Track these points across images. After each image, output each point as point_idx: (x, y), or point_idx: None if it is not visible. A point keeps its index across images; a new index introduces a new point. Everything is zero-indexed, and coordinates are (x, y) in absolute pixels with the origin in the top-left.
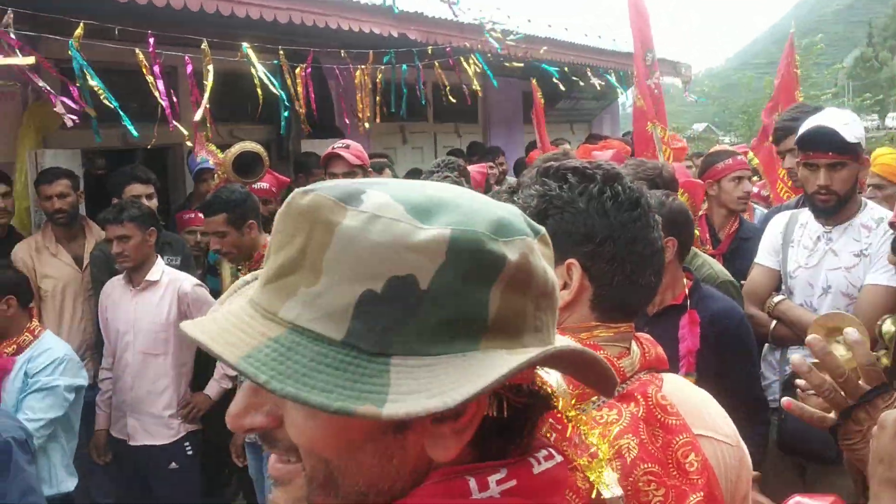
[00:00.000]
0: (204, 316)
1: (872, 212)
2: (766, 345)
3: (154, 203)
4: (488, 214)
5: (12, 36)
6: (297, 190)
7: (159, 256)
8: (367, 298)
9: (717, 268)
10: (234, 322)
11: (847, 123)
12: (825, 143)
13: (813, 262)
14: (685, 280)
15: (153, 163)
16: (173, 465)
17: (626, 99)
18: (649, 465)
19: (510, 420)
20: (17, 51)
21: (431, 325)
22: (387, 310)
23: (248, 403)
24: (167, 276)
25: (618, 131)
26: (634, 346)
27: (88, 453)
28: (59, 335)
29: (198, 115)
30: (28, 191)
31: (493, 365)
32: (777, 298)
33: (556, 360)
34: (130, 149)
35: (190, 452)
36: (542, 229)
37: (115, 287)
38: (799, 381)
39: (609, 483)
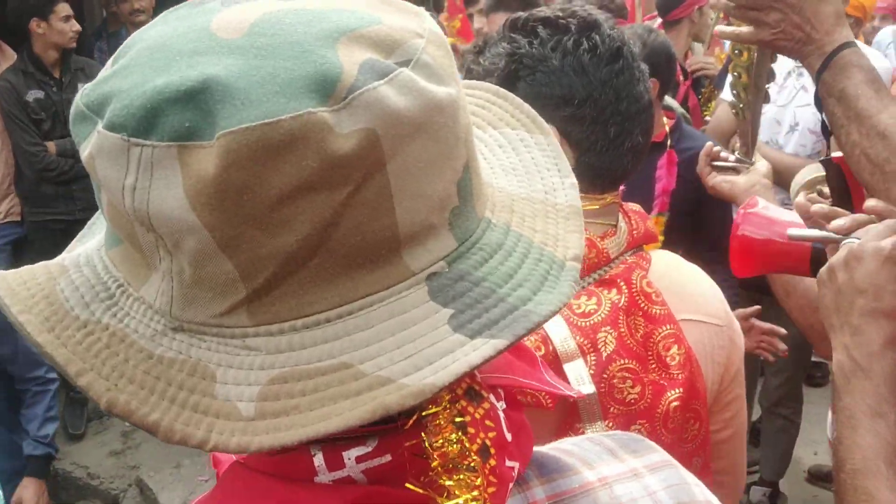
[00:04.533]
0: None
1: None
2: None
3: (74, 25)
4: (113, 85)
5: None
6: None
7: None
8: None
9: (673, 102)
10: None
11: None
12: None
13: (782, 99)
14: (665, 119)
15: None
16: None
17: None
18: (626, 361)
19: None
20: None
21: None
22: None
23: None
24: None
25: None
26: (622, 221)
27: None
28: None
29: None
30: None
31: None
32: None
33: None
34: None
35: None
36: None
37: None
38: None
39: (580, 380)
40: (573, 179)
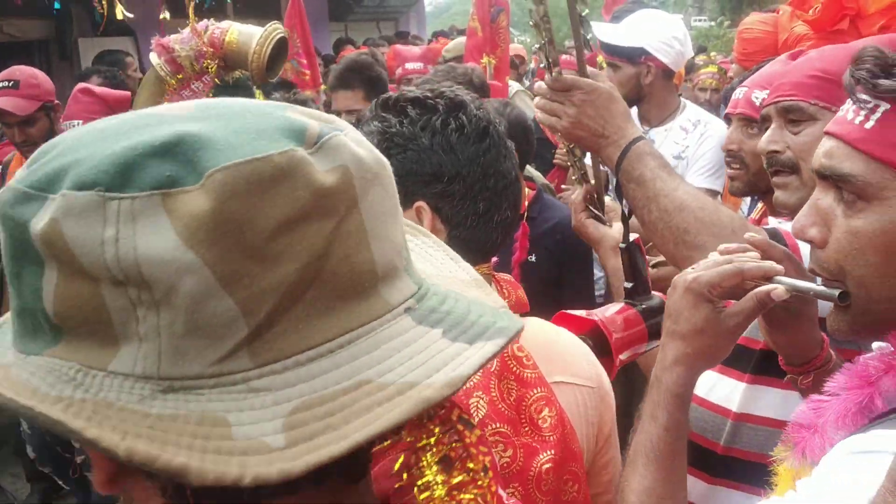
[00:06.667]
0: None
1: (690, 113)
2: None
3: None
4: (61, 162)
5: None
6: None
7: None
8: None
9: (535, 172)
10: None
11: (632, 26)
12: (603, 45)
13: None
14: (527, 190)
15: None
16: None
17: None
18: (498, 426)
19: None
20: None
21: (15, 318)
22: None
23: None
24: None
25: (424, 30)
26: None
27: None
28: None
29: None
30: None
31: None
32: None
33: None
34: None
35: None
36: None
37: None
38: None
39: None
40: (466, 264)
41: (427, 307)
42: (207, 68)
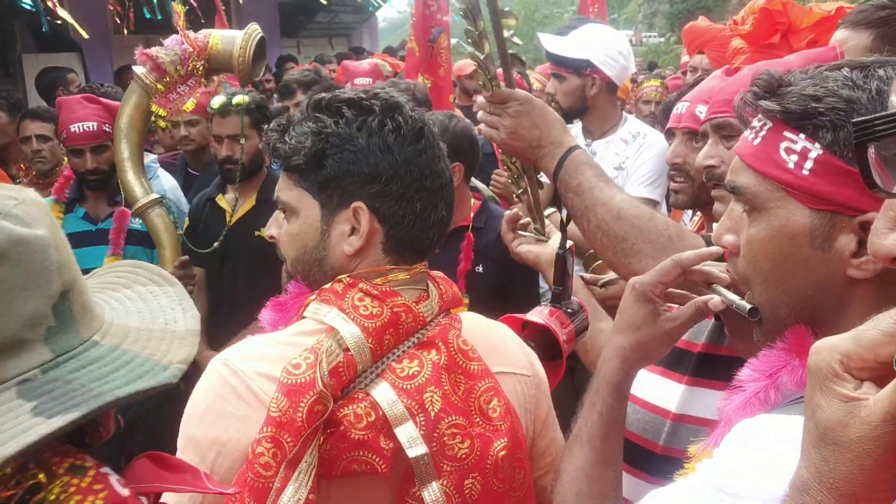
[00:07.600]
0: None
1: (631, 126)
2: None
3: None
4: None
5: None
6: None
7: None
8: None
9: (480, 184)
10: None
11: (579, 38)
12: (549, 55)
13: None
14: (473, 200)
15: None
16: None
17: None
18: (454, 418)
19: None
20: None
21: None
22: None
23: None
24: None
25: (377, 46)
26: (432, 287)
27: None
28: None
29: None
30: None
31: None
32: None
33: None
34: None
35: None
36: None
37: None
38: None
39: (412, 441)
40: (194, 312)
41: (51, 376)
42: (193, 71)
